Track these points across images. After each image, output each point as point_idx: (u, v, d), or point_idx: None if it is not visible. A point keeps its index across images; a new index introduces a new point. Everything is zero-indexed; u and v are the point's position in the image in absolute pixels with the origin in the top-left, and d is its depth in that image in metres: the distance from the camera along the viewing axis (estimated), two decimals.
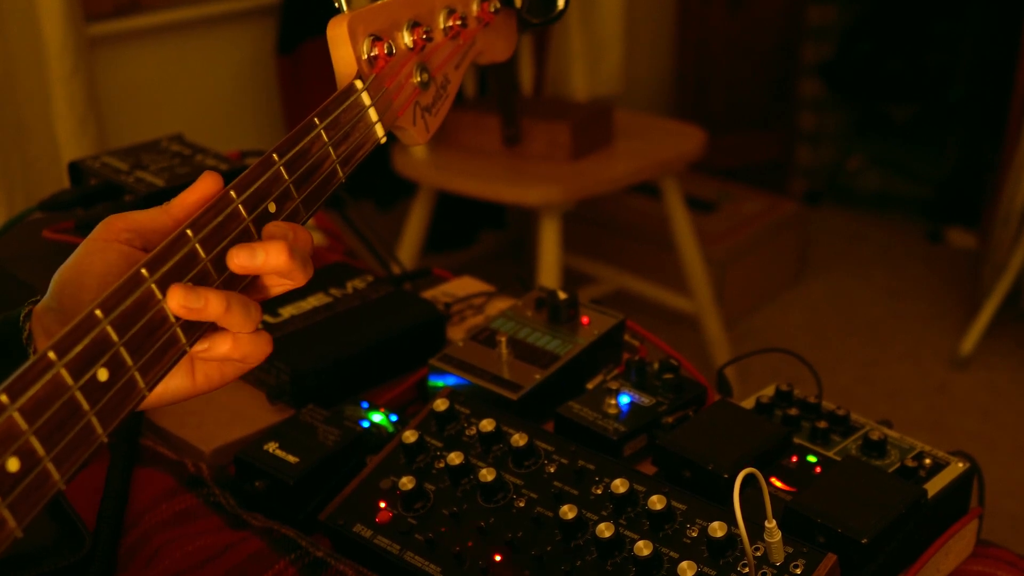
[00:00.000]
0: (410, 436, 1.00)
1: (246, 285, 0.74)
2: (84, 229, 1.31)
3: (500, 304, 1.36)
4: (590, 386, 1.14)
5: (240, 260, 0.70)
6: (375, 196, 2.96)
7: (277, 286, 0.75)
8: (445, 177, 2.56)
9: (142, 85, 2.58)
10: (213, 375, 0.74)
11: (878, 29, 3.81)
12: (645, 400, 1.08)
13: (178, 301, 0.67)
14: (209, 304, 0.68)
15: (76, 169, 1.37)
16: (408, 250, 2.70)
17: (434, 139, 2.65)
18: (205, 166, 1.36)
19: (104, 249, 0.72)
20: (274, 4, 2.72)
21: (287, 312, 1.24)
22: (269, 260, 0.71)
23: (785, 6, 3.67)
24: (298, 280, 0.74)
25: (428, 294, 1.39)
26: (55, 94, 2.26)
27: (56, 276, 0.72)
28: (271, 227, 0.74)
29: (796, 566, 0.84)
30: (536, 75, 3.00)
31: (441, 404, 1.03)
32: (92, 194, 1.33)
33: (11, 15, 2.21)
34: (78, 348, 0.61)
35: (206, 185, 0.75)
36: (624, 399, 1.08)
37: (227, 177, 0.75)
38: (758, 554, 0.85)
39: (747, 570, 0.84)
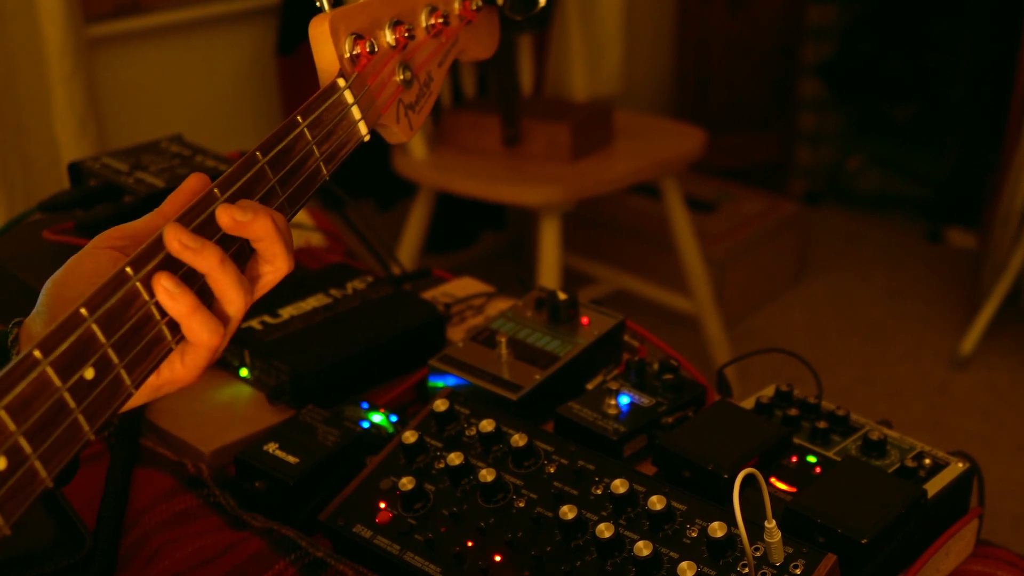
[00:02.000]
0: (410, 436, 1.00)
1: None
2: (84, 230, 1.31)
3: (500, 304, 1.36)
4: (590, 386, 1.14)
5: (232, 213, 0.72)
6: (375, 196, 2.96)
7: (264, 275, 0.76)
8: (445, 177, 2.56)
9: (142, 86, 2.58)
10: (175, 364, 0.73)
11: (878, 29, 3.81)
12: (645, 400, 1.08)
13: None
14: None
15: (76, 170, 1.37)
16: (408, 250, 2.70)
17: (434, 139, 2.65)
18: (205, 167, 1.36)
19: (95, 254, 0.72)
20: (274, 4, 2.72)
21: (287, 313, 1.24)
22: (258, 219, 0.72)
23: (785, 6, 3.66)
24: (280, 264, 0.75)
25: (428, 295, 1.39)
26: (55, 95, 2.26)
27: (47, 283, 0.72)
28: (247, 201, 0.74)
29: (796, 566, 0.84)
30: (536, 75, 3.00)
31: (441, 404, 1.03)
32: (92, 195, 1.33)
33: (11, 16, 2.21)
34: (63, 347, 0.61)
35: (194, 186, 0.76)
36: (624, 399, 1.08)
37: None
38: (758, 554, 0.85)
39: (747, 570, 0.84)
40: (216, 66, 2.71)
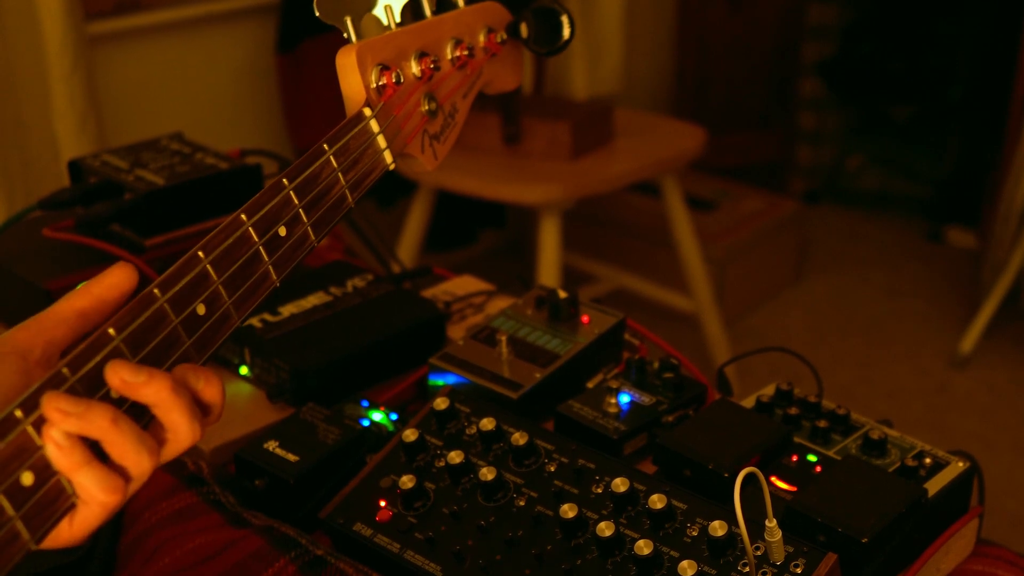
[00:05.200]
0: (410, 435, 1.00)
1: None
2: (84, 227, 1.31)
3: (500, 303, 1.36)
4: (590, 385, 1.14)
5: (122, 374, 0.62)
6: (375, 194, 2.96)
7: (165, 442, 0.67)
8: (445, 175, 2.56)
9: (142, 83, 2.58)
10: (62, 526, 0.64)
11: (878, 29, 3.81)
12: (645, 399, 1.08)
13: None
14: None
15: (76, 167, 1.37)
16: (408, 248, 2.69)
17: None
18: (205, 164, 1.36)
19: None
20: (274, 2, 2.72)
21: (287, 310, 1.24)
22: (152, 382, 0.63)
23: (785, 6, 3.66)
24: (182, 436, 0.66)
25: (428, 293, 1.39)
26: (55, 92, 2.26)
27: None
28: (181, 368, 0.67)
29: (796, 565, 0.84)
30: (536, 74, 3.00)
31: (441, 403, 1.03)
32: (92, 192, 1.33)
33: (11, 13, 2.21)
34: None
35: (116, 283, 0.69)
36: (624, 398, 1.08)
37: (234, 195, 0.75)
38: (758, 553, 0.85)
39: (747, 569, 0.84)
40: (216, 64, 2.71)
